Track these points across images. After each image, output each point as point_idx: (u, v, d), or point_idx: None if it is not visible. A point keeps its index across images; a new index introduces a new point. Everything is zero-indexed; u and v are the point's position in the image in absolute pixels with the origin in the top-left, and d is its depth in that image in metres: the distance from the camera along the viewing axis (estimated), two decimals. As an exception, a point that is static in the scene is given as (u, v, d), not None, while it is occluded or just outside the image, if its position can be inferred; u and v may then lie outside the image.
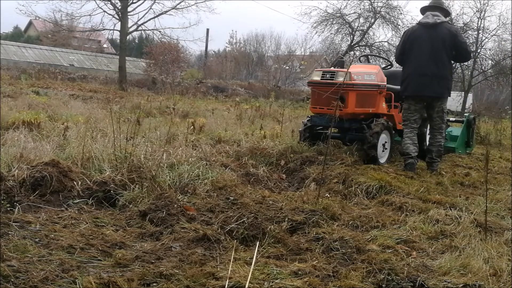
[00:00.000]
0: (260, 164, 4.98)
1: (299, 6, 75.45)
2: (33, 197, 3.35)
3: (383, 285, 2.36)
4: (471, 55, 6.14)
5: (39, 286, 2.09)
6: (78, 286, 2.13)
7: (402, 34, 5.82)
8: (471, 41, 23.27)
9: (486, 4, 23.37)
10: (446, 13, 5.69)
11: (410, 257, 2.72)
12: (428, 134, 6.13)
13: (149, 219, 3.10)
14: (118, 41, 24.98)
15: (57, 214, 3.14)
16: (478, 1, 23.24)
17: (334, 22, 25.64)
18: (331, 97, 5.10)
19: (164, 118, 8.46)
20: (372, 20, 25.37)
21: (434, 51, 5.33)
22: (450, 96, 5.58)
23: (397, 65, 6.45)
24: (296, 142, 5.99)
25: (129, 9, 21.75)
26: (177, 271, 2.34)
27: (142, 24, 22.69)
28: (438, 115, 5.50)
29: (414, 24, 5.65)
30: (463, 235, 3.11)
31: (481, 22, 23.44)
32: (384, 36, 42.23)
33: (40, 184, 3.46)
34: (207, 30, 33.66)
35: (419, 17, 5.66)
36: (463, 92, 23.96)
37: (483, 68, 24.38)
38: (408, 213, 3.65)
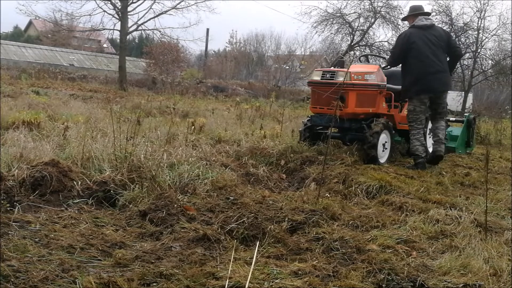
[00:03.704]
0: (260, 164, 4.97)
1: (299, 5, 75.63)
2: (33, 197, 3.35)
3: (383, 285, 2.36)
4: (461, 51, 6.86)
5: (39, 286, 2.09)
6: (78, 286, 2.13)
7: (396, 39, 6.13)
8: (471, 41, 23.27)
9: (486, 4, 23.28)
10: (429, 14, 6.34)
11: (410, 257, 2.72)
12: (429, 135, 6.14)
13: (149, 219, 3.10)
14: (118, 41, 24.99)
15: (57, 214, 3.14)
16: (478, 1, 23.16)
17: (334, 22, 25.59)
18: (331, 97, 5.10)
19: (164, 118, 8.45)
20: (372, 20, 25.32)
21: (435, 49, 5.71)
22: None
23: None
24: (296, 142, 5.98)
25: (129, 8, 21.78)
26: (177, 271, 2.34)
27: (142, 24, 22.74)
28: (443, 105, 5.91)
29: (407, 29, 5.96)
30: (463, 235, 3.11)
31: (481, 22, 23.37)
32: (384, 36, 42.35)
33: (40, 184, 3.46)
34: (207, 30, 33.69)
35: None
36: (463, 92, 23.88)
37: (483, 68, 24.32)
38: (408, 213, 3.65)
